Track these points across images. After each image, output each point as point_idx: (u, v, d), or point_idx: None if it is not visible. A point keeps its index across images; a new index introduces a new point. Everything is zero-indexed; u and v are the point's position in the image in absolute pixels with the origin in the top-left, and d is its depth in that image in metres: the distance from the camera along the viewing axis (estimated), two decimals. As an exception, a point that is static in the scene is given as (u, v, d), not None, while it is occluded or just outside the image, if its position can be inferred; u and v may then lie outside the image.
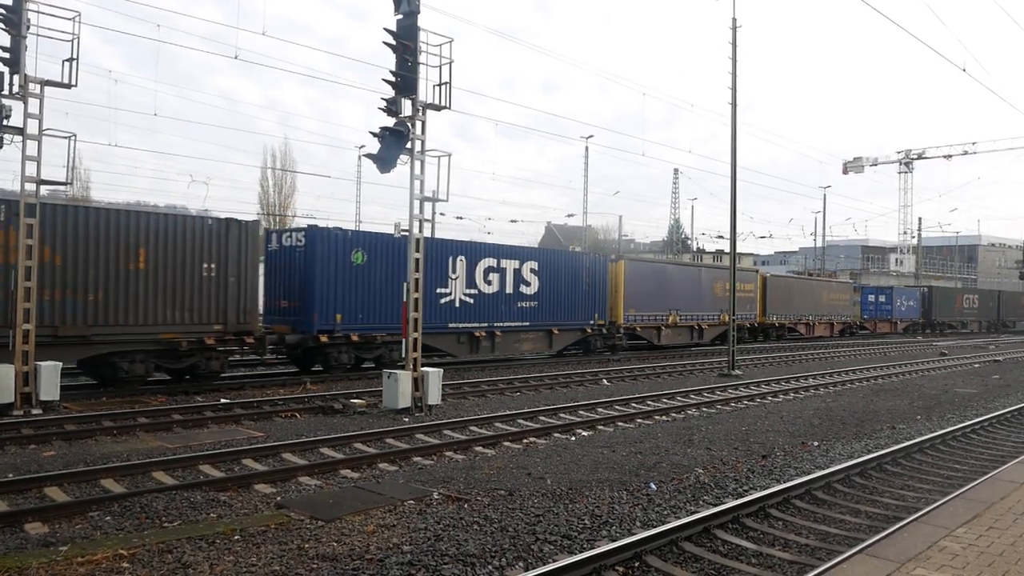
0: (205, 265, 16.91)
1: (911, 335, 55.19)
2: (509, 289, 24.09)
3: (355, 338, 19.94)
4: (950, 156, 65.31)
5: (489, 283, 23.45)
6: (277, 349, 19.86)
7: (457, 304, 22.48)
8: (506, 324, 24.04)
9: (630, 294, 29.24)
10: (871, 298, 55.49)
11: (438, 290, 21.83)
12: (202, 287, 16.85)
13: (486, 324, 23.42)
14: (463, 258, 22.71)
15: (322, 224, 20.85)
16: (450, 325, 22.31)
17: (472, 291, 22.91)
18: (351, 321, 19.76)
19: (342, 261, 19.58)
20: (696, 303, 33.41)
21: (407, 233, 15.60)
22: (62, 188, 15.63)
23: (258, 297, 18.78)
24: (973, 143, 62.48)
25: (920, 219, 73.99)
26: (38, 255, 13.96)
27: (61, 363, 13.97)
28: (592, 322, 27.42)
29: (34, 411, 13.44)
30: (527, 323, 24.74)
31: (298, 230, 20.29)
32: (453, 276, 22.35)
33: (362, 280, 19.96)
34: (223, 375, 18.19)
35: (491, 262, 23.61)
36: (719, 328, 34.56)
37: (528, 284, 24.70)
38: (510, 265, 24.19)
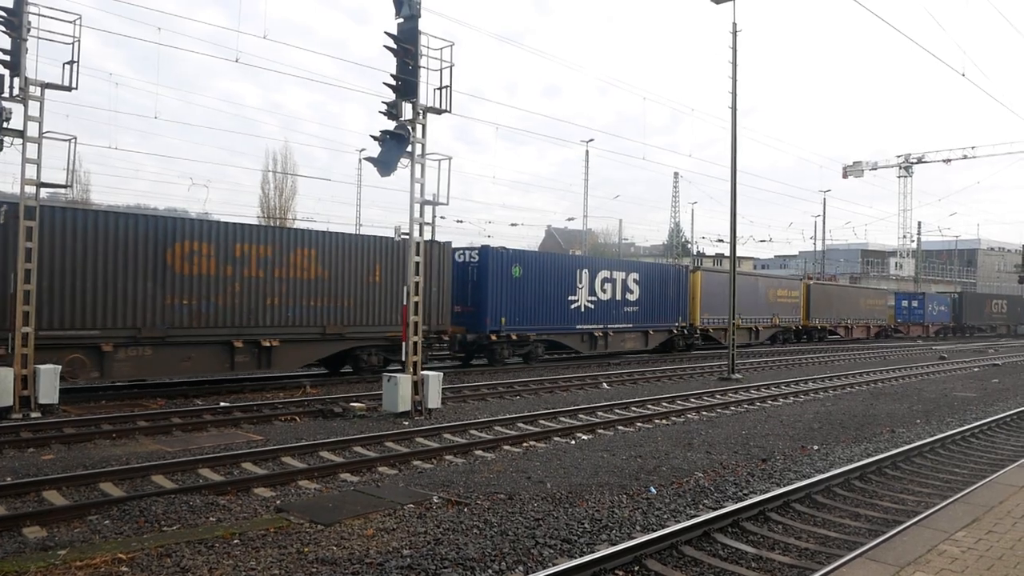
0: (435, 287, 21.28)
1: (942, 338, 59.38)
2: (619, 296, 28.48)
3: (514, 337, 24.45)
4: (949, 160, 65.37)
5: (604, 291, 27.73)
6: (453, 345, 24.11)
7: (583, 309, 26.83)
8: (616, 326, 28.42)
9: (704, 300, 33.63)
10: (904, 303, 59.29)
11: (569, 297, 26.24)
12: (392, 296, 20.57)
13: (602, 325, 27.74)
14: (586, 270, 27.17)
15: (321, 227, 22.21)
16: (577, 327, 26.51)
17: (593, 298, 27.26)
18: (511, 323, 24.18)
19: (505, 274, 23.90)
20: (753, 308, 37.84)
21: (504, 248, 19.97)
22: (62, 191, 15.59)
23: (450, 304, 22.30)
24: (972, 147, 62.61)
25: (920, 223, 74.11)
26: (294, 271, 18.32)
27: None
28: (677, 324, 31.99)
29: (33, 414, 13.43)
30: (631, 325, 29.27)
31: (471, 249, 24.46)
32: (580, 286, 26.57)
33: (518, 290, 24.37)
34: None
35: (606, 274, 27.99)
36: (772, 329, 39.85)
37: (631, 292, 29.09)
38: (619, 276, 28.57)
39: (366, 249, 20.07)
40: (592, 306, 27.22)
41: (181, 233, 16.73)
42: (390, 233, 20.95)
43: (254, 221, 50.73)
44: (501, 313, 23.77)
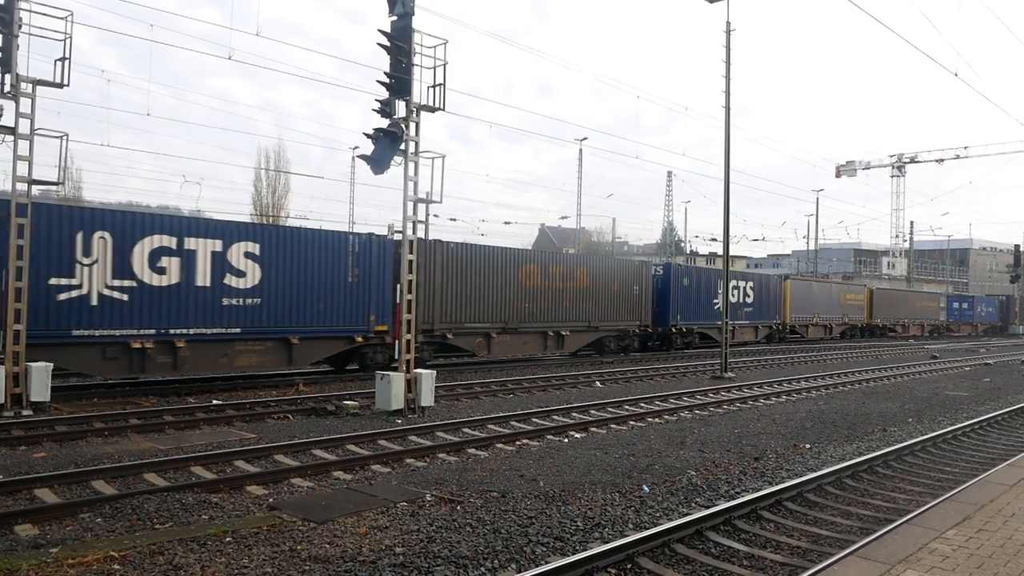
0: (636, 287, 30.04)
1: (989, 336, 66.74)
2: (741, 299, 37.41)
3: (684, 329, 33.19)
4: (942, 160, 65.68)
5: (733, 296, 35.86)
6: (653, 336, 32.32)
7: (720, 309, 32.42)
8: (740, 321, 37.48)
9: (793, 303, 42.15)
10: (956, 305, 66.46)
11: (713, 300, 34.56)
12: (633, 300, 29.91)
13: (731, 320, 32.49)
14: (735, 282, 36.42)
15: (315, 225, 22.41)
16: (717, 322, 31.60)
17: (730, 300, 32.70)
18: (683, 319, 33.03)
19: (678, 283, 32.65)
20: (828, 309, 46.22)
21: (680, 263, 32.69)
22: (53, 188, 15.54)
23: (651, 305, 31.17)
24: (965, 147, 63.04)
25: (912, 223, 74.63)
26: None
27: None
28: (776, 321, 40.76)
29: (25, 412, 13.38)
30: (748, 321, 38.29)
31: (658, 264, 34.12)
32: (720, 291, 32.70)
33: (685, 295, 33.16)
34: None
35: (735, 282, 36.33)
36: (842, 326, 48.18)
37: (748, 296, 38.25)
38: (742, 284, 38.08)
39: (610, 267, 29.53)
40: (728, 306, 31.76)
41: (525, 259, 25.62)
42: (383, 230, 21.07)
43: (248, 219, 50.56)
44: (677, 312, 32.48)
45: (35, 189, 14.18)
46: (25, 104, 13.54)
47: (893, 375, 26.07)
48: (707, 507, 8.34)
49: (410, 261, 15.18)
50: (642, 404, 16.92)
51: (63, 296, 15.26)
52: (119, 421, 13.11)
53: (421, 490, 8.98)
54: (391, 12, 14.39)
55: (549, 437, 13.01)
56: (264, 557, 6.58)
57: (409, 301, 15.14)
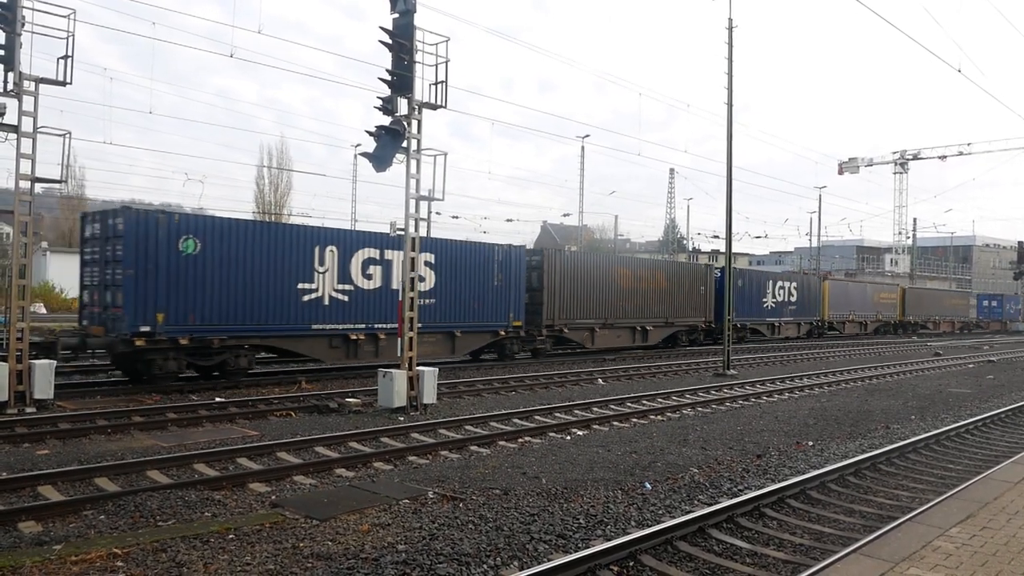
0: (701, 288, 33.80)
1: (1020, 333, 68.50)
2: (785, 298, 40.87)
3: (739, 325, 36.19)
4: (945, 157, 65.51)
5: (779, 296, 40.18)
6: (712, 332, 35.23)
7: (772, 305, 39.89)
8: (785, 319, 41.13)
9: (831, 301, 46.00)
10: (985, 303, 71.21)
11: (762, 299, 38.94)
12: (699, 299, 33.71)
13: (777, 318, 40.58)
14: (771, 281, 40.40)
15: (317, 223, 22.76)
16: (766, 319, 39.38)
17: (775, 300, 40.09)
18: (738, 316, 35.02)
19: (734, 285, 33.00)
20: (863, 307, 50.16)
21: (735, 267, 35.81)
22: (56, 186, 15.55)
23: (714, 303, 34.26)
24: (968, 144, 62.69)
25: (915, 220, 74.56)
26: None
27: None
28: (815, 318, 44.72)
29: (28, 409, 13.40)
30: (792, 318, 42.02)
31: (719, 267, 35.22)
32: (767, 291, 39.32)
33: (740, 295, 35.89)
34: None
35: (781, 282, 41.20)
36: (876, 323, 52.13)
37: (792, 295, 41.75)
38: (788, 284, 41.39)
39: (682, 271, 33.93)
40: (774, 305, 40.03)
41: (621, 263, 30.48)
42: (385, 228, 21.20)
43: (250, 216, 50.61)
44: (737, 308, 34.52)
45: (38, 187, 14.19)
46: (28, 102, 13.54)
47: (896, 372, 26.03)
48: (710, 504, 8.33)
49: (412, 259, 15.17)
50: (644, 401, 16.92)
51: (306, 298, 18.94)
52: (122, 418, 13.12)
53: (423, 487, 8.98)
54: (393, 9, 14.37)
55: (551, 434, 13.01)
56: (267, 554, 6.59)
57: (412, 299, 15.13)
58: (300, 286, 18.69)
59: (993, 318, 70.47)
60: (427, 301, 21.10)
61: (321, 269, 19.16)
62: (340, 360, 20.11)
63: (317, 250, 19.10)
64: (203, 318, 17.02)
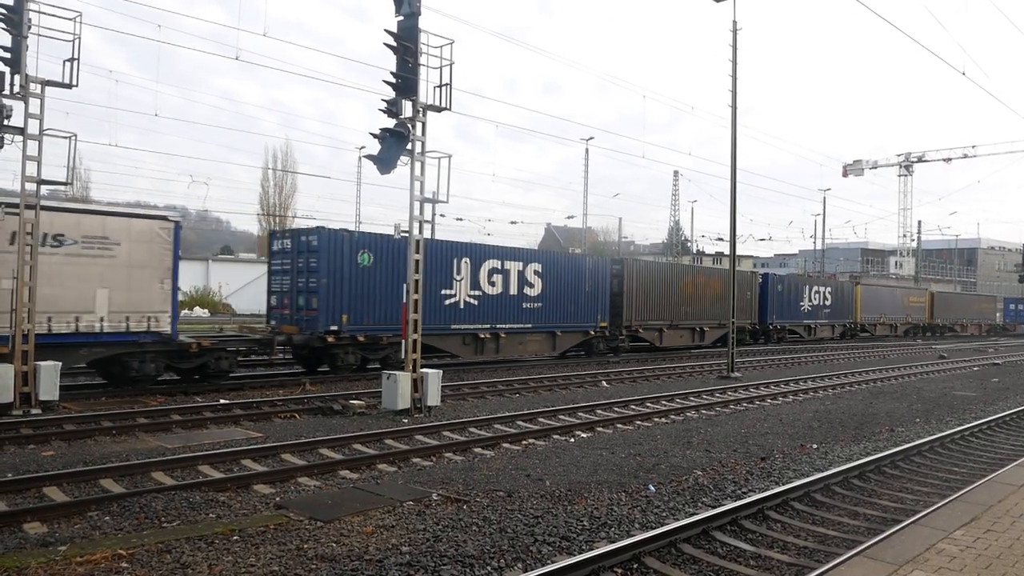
0: (748, 293, 36.93)
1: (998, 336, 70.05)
2: (821, 302, 44.02)
3: (779, 326, 40.69)
4: (950, 159, 65.38)
5: (814, 300, 43.50)
6: (756, 333, 39.18)
7: (808, 308, 42.93)
8: (821, 321, 44.28)
9: (863, 304, 48.82)
10: (1012, 306, 73.68)
11: (800, 302, 41.89)
12: (746, 303, 36.35)
13: (813, 320, 43.60)
14: (807, 287, 43.38)
15: (317, 224, 23.53)
16: (803, 321, 42.51)
17: (811, 303, 43.20)
18: (778, 319, 40.12)
19: (775, 289, 39.75)
20: (893, 310, 52.92)
21: (776, 274, 39.70)
22: (62, 188, 15.64)
23: (758, 306, 38.62)
24: (973, 146, 62.60)
25: (920, 222, 74.24)
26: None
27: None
28: (848, 320, 47.50)
29: (33, 411, 13.45)
30: (827, 321, 44.93)
31: (760, 274, 40.99)
32: (805, 296, 42.48)
33: (779, 299, 40.17)
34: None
35: (817, 288, 44.08)
36: (906, 326, 54.86)
37: (827, 299, 44.78)
38: (823, 290, 44.61)
39: (718, 276, 34.91)
40: (811, 308, 43.29)
41: (684, 272, 33.78)
42: (389, 230, 21.41)
43: (254, 219, 50.70)
44: (773, 312, 39.51)
45: (43, 189, 14.24)
46: (34, 104, 13.60)
47: (900, 375, 25.97)
48: (713, 507, 8.33)
49: (416, 261, 15.18)
50: (648, 404, 16.91)
51: (447, 302, 22.23)
52: (127, 420, 13.16)
53: (427, 489, 8.99)
54: (397, 12, 14.41)
55: (555, 437, 13.01)
56: (271, 556, 6.60)
57: (416, 301, 15.14)
58: (443, 292, 22.11)
59: (1020, 321, 73.47)
60: (536, 305, 24.92)
61: (458, 278, 22.58)
62: (469, 355, 23.47)
63: (455, 262, 22.53)
64: (374, 319, 20.35)
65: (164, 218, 17.19)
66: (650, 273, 31.09)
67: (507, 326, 24.04)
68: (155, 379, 16.92)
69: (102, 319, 15.59)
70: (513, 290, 24.19)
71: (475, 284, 23.03)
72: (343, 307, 19.60)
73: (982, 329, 66.41)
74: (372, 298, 20.27)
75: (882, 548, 5.93)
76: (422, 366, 15.26)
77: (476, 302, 23.00)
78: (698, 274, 34.56)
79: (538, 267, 25.29)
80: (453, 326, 22.41)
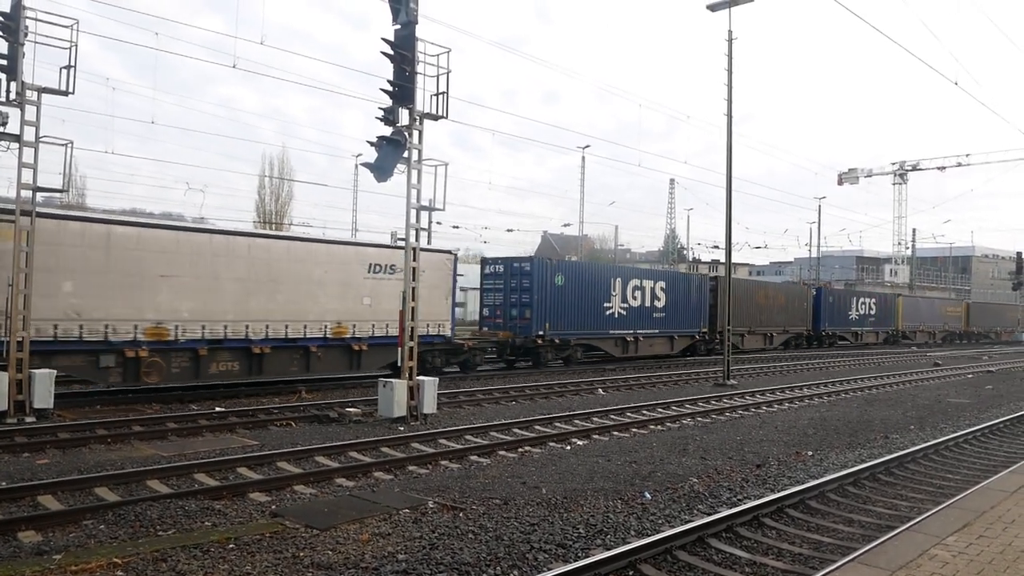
0: (804, 304, 42.62)
1: (1020, 343, 72.95)
2: (866, 312, 50.14)
3: (830, 332, 46.44)
4: (944, 168, 65.63)
5: (861, 309, 49.49)
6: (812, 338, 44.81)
7: (856, 317, 48.97)
8: (864, 328, 50.17)
9: (905, 313, 54.89)
10: None
11: (848, 311, 48.06)
12: (803, 312, 42.89)
13: (860, 328, 49.60)
14: (855, 297, 49.98)
15: (318, 232, 24.02)
16: (851, 328, 48.65)
17: (858, 312, 49.17)
18: (830, 326, 45.95)
19: (827, 301, 45.84)
20: (931, 319, 59.09)
21: (830, 286, 43.51)
22: (57, 195, 15.66)
23: (812, 315, 44.51)
24: (967, 155, 62.78)
25: (914, 230, 74.73)
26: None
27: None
28: (891, 328, 53.53)
29: (28, 419, 13.41)
30: (871, 328, 50.91)
31: (814, 287, 46.67)
32: (853, 305, 48.64)
33: (830, 306, 46.10)
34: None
35: (864, 299, 50.46)
36: (944, 333, 61.06)
37: (872, 309, 50.81)
38: (868, 300, 50.73)
39: (792, 290, 43.56)
40: (858, 317, 49.12)
41: (758, 287, 40.54)
42: (387, 238, 21.38)
43: (250, 226, 50.73)
44: (826, 321, 45.22)
45: (39, 196, 14.24)
46: (31, 112, 13.61)
47: (895, 382, 26.03)
48: (709, 514, 8.34)
49: (413, 268, 15.21)
50: (644, 411, 16.93)
51: (606, 312, 28.37)
52: (122, 428, 13.13)
53: (424, 497, 9.00)
54: (395, 21, 14.47)
55: (551, 444, 13.02)
56: (267, 564, 6.60)
57: (413, 309, 15.16)
58: (604, 305, 28.24)
59: None
60: (661, 315, 31.41)
61: (613, 294, 28.69)
62: (618, 353, 29.32)
63: (612, 281, 28.81)
64: (565, 326, 26.50)
65: (448, 252, 23.45)
66: (737, 288, 35.24)
67: (644, 331, 30.31)
68: (441, 370, 22.10)
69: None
70: (648, 303, 30.55)
71: (624, 298, 29.13)
72: (546, 317, 25.74)
73: (1012, 335, 72.54)
74: (564, 310, 26.36)
75: (876, 554, 5.96)
76: (578, 361, 22.14)
77: (625, 312, 29.08)
78: (768, 289, 41.68)
79: (663, 284, 31.75)
80: (610, 331, 28.50)
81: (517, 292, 25.77)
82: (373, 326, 20.21)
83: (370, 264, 20.33)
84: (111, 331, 15.54)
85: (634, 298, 29.56)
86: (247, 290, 17.77)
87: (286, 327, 18.41)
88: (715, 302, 33.81)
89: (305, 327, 18.81)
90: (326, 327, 19.26)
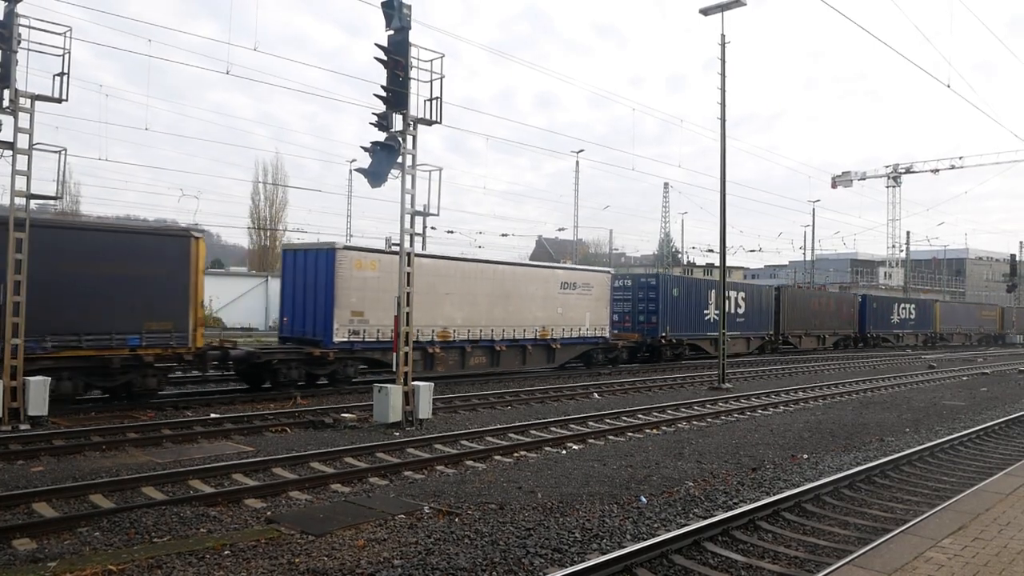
0: (852, 309, 50.08)
1: (1015, 346, 76.47)
2: (907, 316, 55.70)
3: (875, 335, 52.47)
4: (937, 170, 65.79)
5: (902, 314, 55.23)
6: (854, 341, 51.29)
7: (897, 321, 54.86)
8: (905, 331, 55.64)
9: (942, 317, 60.47)
10: None
11: (890, 315, 53.64)
12: (850, 316, 49.89)
13: (901, 330, 55.09)
14: (896, 304, 55.43)
15: (312, 238, 24.19)
16: (893, 331, 54.23)
17: (899, 317, 54.79)
18: (875, 328, 51.43)
19: (871, 307, 51.44)
20: (967, 322, 65.87)
21: (872, 295, 49.22)
22: (51, 202, 15.63)
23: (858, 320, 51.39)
24: (960, 157, 62.99)
25: (908, 233, 74.55)
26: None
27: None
28: (930, 331, 58.90)
29: (22, 426, 13.36)
30: (911, 331, 56.51)
31: (860, 295, 53.70)
32: (895, 310, 54.10)
33: (875, 312, 51.89)
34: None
35: (904, 305, 56.30)
36: (979, 335, 67.14)
37: (912, 314, 56.40)
38: (909, 306, 56.62)
39: (842, 297, 50.41)
40: (899, 321, 54.82)
41: (813, 295, 46.38)
42: (381, 243, 21.49)
43: (245, 232, 50.64)
44: (870, 324, 51.10)
45: (32, 203, 14.20)
46: (24, 119, 13.58)
47: (891, 385, 26.09)
48: (705, 518, 8.35)
49: (408, 274, 15.20)
50: (640, 415, 16.93)
51: (705, 317, 34.44)
52: (117, 435, 13.09)
53: (419, 502, 8.98)
54: (388, 27, 14.50)
55: (547, 449, 13.02)
56: (262, 570, 6.58)
57: (408, 314, 15.15)
58: (703, 311, 34.45)
59: None
60: (741, 320, 37.34)
61: (709, 301, 34.59)
62: (712, 351, 33.54)
63: (708, 292, 34.80)
64: (678, 329, 32.75)
65: (609, 271, 29.89)
66: (796, 296, 44.25)
67: (731, 333, 33.04)
68: (600, 363, 28.95)
69: (586, 328, 27.46)
70: (733, 310, 36.06)
71: (716, 305, 32.43)
72: (667, 322, 31.89)
73: None
74: (678, 316, 32.66)
75: (871, 557, 5.97)
76: (682, 357, 29.13)
77: (716, 317, 31.14)
78: (820, 297, 48.42)
79: (743, 294, 38.12)
80: (707, 333, 34.07)
81: (644, 302, 32.00)
82: (564, 329, 26.42)
83: (562, 282, 26.65)
84: (420, 334, 20.52)
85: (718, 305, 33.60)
86: (492, 303, 23.75)
87: (514, 331, 24.49)
88: (778, 309, 40.89)
89: (524, 331, 24.88)
90: (536, 331, 25.39)
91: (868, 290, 72.64)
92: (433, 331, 21.68)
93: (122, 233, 16.86)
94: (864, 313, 50.21)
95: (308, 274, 20.19)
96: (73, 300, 15.06)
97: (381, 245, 21.65)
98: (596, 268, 30.27)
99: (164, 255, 16.51)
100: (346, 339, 19.70)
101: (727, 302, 31.82)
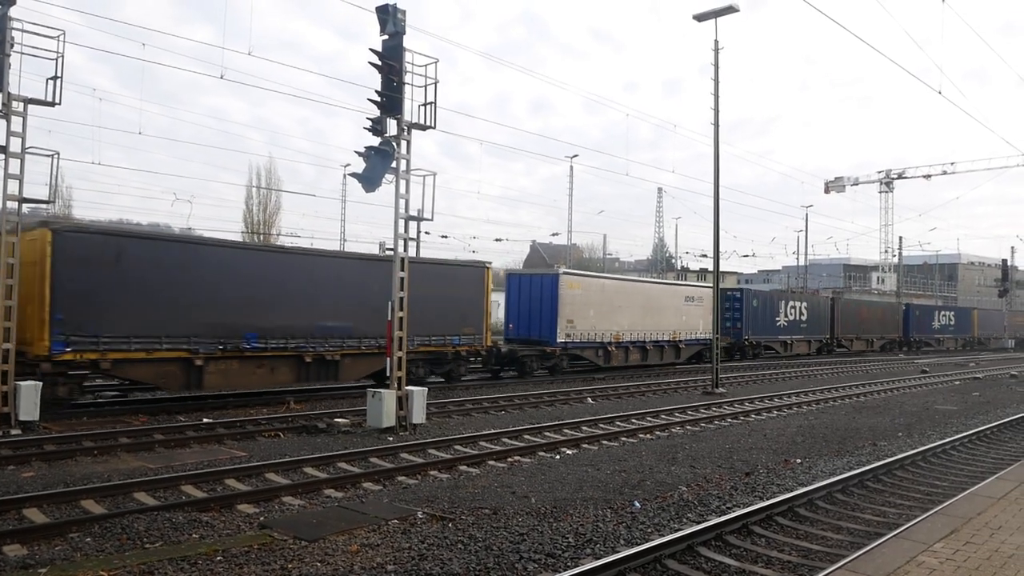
0: (896, 316, 57.69)
1: (1006, 350, 79.35)
2: (947, 323, 63.15)
3: (917, 339, 59.53)
4: (930, 176, 65.96)
5: (942, 320, 62.26)
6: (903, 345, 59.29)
7: (938, 327, 62.31)
8: (945, 335, 62.59)
9: (980, 323, 67.51)
10: None
11: (931, 323, 60.38)
12: (896, 322, 57.60)
13: (941, 335, 62.06)
14: (935, 311, 63.23)
15: (305, 243, 24.81)
16: (935, 336, 61.35)
17: (940, 323, 61.67)
18: (915, 334, 59.14)
19: (914, 314, 58.89)
20: (1000, 328, 72.15)
21: (914, 304, 55.18)
22: (43, 206, 15.60)
23: (903, 325, 59.39)
24: (952, 163, 63.23)
25: (901, 238, 74.71)
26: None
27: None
28: (968, 335, 66.35)
29: (13, 431, 13.28)
30: (950, 335, 63.41)
31: (904, 304, 61.02)
32: (935, 316, 62.14)
33: (917, 319, 59.25)
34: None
35: (944, 312, 64.03)
36: (1016, 339, 73.34)
37: (952, 320, 63.31)
38: (948, 313, 63.85)
39: (887, 305, 58.82)
40: (940, 326, 61.19)
41: (859, 304, 56.23)
42: (375, 248, 21.57)
43: (238, 236, 50.60)
44: (913, 329, 58.03)
45: (24, 207, 14.16)
46: (16, 123, 13.54)
47: (884, 390, 26.17)
48: (698, 522, 8.36)
49: (402, 279, 15.19)
50: (633, 420, 16.94)
51: (776, 323, 41.51)
52: (109, 440, 13.03)
53: (413, 507, 8.97)
54: (383, 31, 14.52)
55: (541, 454, 13.01)
56: (255, 576, 6.56)
57: (401, 319, 15.14)
58: (775, 318, 41.21)
59: None
60: (803, 325, 43.92)
61: (779, 310, 41.79)
62: (783, 352, 42.53)
63: (779, 302, 42.01)
64: (756, 333, 39.70)
65: (710, 286, 31.28)
66: (848, 304, 51.77)
67: (795, 336, 43.34)
68: (696, 362, 34.85)
69: (700, 332, 33.91)
70: (796, 317, 43.37)
71: (785, 314, 42.16)
72: (748, 327, 38.86)
73: None
74: (755, 322, 39.55)
75: (864, 561, 5.98)
76: (754, 356, 36.48)
77: (786, 324, 42.22)
78: (869, 305, 55.94)
79: (806, 304, 45.16)
80: (778, 336, 41.68)
81: (730, 310, 38.35)
82: (686, 333, 33.43)
83: (685, 296, 33.89)
84: (601, 336, 28.30)
85: (789, 314, 42.89)
86: (644, 313, 30.67)
87: (657, 334, 31.44)
88: (833, 316, 47.45)
89: (662, 334, 31.82)
90: (670, 334, 32.41)
91: (861, 295, 73.45)
92: (611, 334, 28.69)
93: (447, 266, 23.32)
94: (908, 320, 57.63)
95: (533, 292, 27.06)
96: (426, 313, 19.99)
97: (375, 250, 21.59)
98: (704, 284, 39.49)
99: (471, 280, 23.15)
100: (564, 340, 26.69)
101: (792, 310, 43.10)
